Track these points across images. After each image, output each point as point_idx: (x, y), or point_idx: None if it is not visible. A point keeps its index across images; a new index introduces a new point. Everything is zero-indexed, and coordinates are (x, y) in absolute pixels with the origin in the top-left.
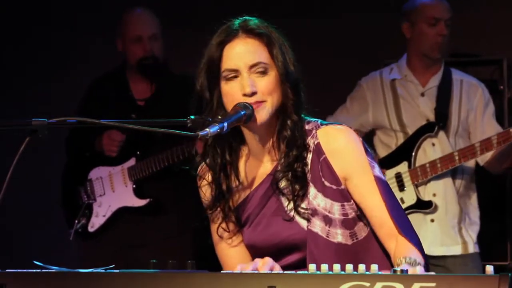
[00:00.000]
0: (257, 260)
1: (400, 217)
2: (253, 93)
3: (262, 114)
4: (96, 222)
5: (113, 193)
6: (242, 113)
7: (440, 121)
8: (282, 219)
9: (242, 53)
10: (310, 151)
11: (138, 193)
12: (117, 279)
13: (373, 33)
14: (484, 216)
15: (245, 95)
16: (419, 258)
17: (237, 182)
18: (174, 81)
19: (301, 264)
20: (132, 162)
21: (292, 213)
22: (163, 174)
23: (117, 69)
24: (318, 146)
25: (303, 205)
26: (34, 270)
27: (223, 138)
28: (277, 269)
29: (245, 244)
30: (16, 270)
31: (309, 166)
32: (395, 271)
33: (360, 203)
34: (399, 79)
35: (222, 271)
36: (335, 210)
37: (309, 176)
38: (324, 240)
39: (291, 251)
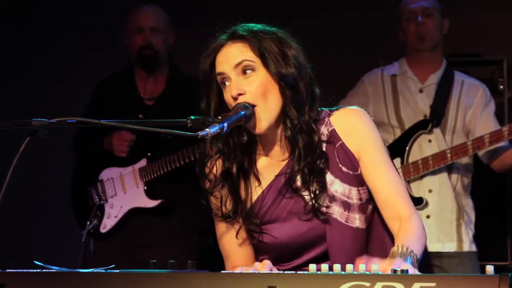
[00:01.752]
0: (256, 263)
1: (406, 199)
2: (239, 95)
3: (260, 124)
4: (108, 223)
5: (125, 194)
6: (242, 113)
7: (435, 118)
8: (300, 216)
9: (227, 57)
10: (324, 140)
11: (150, 194)
12: (117, 279)
13: (373, 32)
14: (484, 215)
15: (232, 97)
16: (416, 248)
17: (251, 182)
18: (185, 81)
19: (324, 257)
20: (143, 163)
21: (310, 215)
22: (174, 175)
23: (125, 69)
24: (333, 132)
25: (324, 203)
26: (34, 270)
27: (234, 138)
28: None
29: (271, 243)
30: (16, 270)
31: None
32: (395, 271)
33: (368, 181)
34: (399, 75)
35: (222, 271)
36: (353, 195)
37: (324, 165)
38: (343, 225)
39: (313, 245)
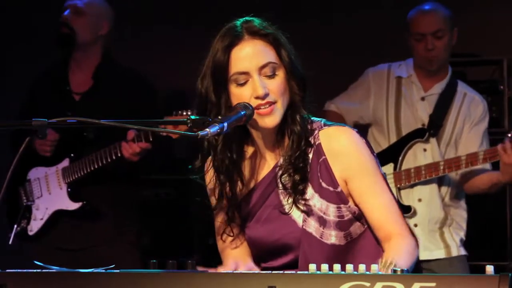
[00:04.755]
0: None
1: (396, 220)
2: (266, 95)
3: (275, 118)
4: (34, 225)
5: (49, 195)
6: (242, 113)
7: (432, 128)
8: (280, 213)
9: (250, 55)
10: (311, 152)
11: (72, 195)
12: (117, 279)
13: (374, 33)
14: (484, 216)
15: (257, 97)
16: (403, 262)
17: (241, 181)
18: (116, 74)
19: (296, 264)
20: (65, 163)
21: (290, 207)
22: (99, 176)
23: (58, 61)
24: (319, 146)
25: (301, 206)
26: (34, 270)
27: (229, 137)
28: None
29: (247, 239)
30: (16, 270)
31: (309, 165)
32: (395, 271)
33: (359, 204)
34: (405, 78)
35: (222, 271)
36: (331, 211)
37: (308, 174)
38: (318, 241)
39: (287, 250)
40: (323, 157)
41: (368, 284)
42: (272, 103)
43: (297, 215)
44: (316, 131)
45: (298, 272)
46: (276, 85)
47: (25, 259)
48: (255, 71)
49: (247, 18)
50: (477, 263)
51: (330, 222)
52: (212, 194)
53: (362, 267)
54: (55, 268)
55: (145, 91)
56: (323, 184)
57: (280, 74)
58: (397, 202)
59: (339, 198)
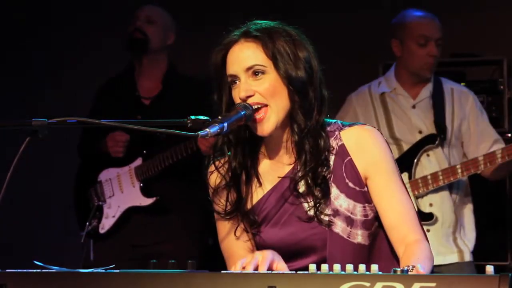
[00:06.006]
0: (257, 253)
1: (413, 223)
2: (248, 97)
3: (268, 126)
4: (106, 223)
5: (122, 193)
6: (242, 113)
7: (441, 133)
8: (301, 221)
9: (239, 58)
10: (333, 153)
11: (145, 192)
12: (117, 279)
13: (373, 33)
14: (484, 216)
15: (241, 99)
16: (421, 267)
17: (255, 183)
18: (182, 82)
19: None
20: (138, 161)
21: (310, 222)
22: (171, 172)
23: (125, 68)
24: (342, 147)
25: (326, 210)
26: (34, 270)
27: (243, 138)
28: (277, 263)
29: (261, 244)
30: (16, 270)
31: (331, 168)
32: (395, 271)
33: (376, 203)
34: (388, 92)
35: (222, 271)
36: (358, 211)
37: (331, 177)
38: (345, 241)
39: (309, 252)
40: (348, 157)
41: (368, 284)
42: (263, 105)
43: (319, 220)
44: (337, 132)
45: (298, 272)
46: (262, 87)
47: (97, 256)
48: (242, 73)
49: (256, 21)
50: (477, 263)
51: (357, 222)
52: (217, 197)
53: (362, 267)
54: (55, 268)
55: (206, 98)
56: (350, 184)
57: (270, 76)
58: (418, 210)
59: (365, 197)
